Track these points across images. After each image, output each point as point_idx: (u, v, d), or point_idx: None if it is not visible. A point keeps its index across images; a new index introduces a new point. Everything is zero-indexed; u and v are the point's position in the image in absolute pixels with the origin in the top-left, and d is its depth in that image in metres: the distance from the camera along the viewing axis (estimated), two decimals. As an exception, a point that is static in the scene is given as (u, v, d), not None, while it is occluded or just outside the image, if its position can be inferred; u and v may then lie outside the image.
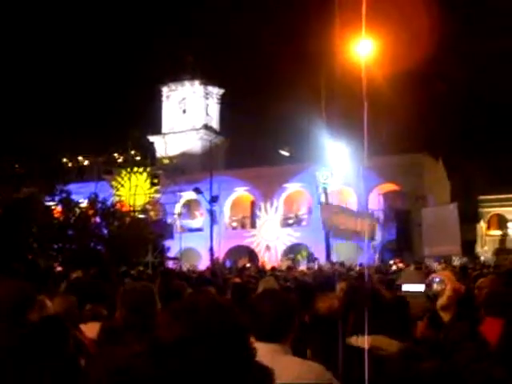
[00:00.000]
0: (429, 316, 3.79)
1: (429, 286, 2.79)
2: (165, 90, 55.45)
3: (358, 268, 23.82)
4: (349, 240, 29.09)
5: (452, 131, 49.55)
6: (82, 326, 5.51)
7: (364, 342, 3.45)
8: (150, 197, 41.31)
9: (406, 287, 3.23)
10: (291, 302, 3.40)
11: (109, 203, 29.31)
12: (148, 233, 29.02)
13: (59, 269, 19.97)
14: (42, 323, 4.50)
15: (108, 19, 75.58)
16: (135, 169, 41.44)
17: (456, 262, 27.69)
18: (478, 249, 44.78)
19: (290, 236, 43.39)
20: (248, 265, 31.40)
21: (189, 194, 41.91)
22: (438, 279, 2.77)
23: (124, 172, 41.33)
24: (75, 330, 5.15)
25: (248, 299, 7.15)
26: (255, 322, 3.24)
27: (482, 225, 50.94)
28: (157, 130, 54.36)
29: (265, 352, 3.04)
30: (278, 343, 3.23)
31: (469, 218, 41.98)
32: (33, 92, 58.69)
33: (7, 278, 3.86)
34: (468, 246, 34.74)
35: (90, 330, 5.28)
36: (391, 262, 29.78)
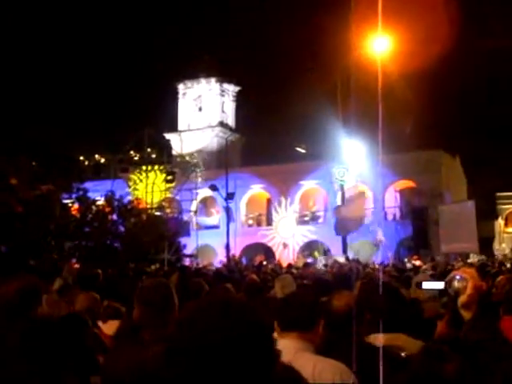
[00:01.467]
0: (449, 314, 3.77)
1: (449, 283, 2.76)
2: (181, 87, 55.53)
3: (374, 265, 23.77)
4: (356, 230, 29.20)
5: (469, 128, 49.26)
6: (100, 323, 5.57)
7: (382, 340, 3.45)
8: (166, 194, 41.40)
9: (426, 285, 3.21)
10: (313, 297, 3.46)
11: (125, 201, 29.43)
12: (164, 230, 29.10)
13: (76, 266, 20.10)
14: (64, 319, 4.55)
15: (125, 18, 75.90)
16: (151, 166, 41.56)
17: (472, 259, 27.50)
18: (496, 246, 44.45)
19: (307, 233, 43.33)
20: (265, 262, 31.40)
21: (205, 191, 41.96)
22: (459, 277, 2.74)
23: (140, 169, 41.47)
24: (94, 328, 5.21)
25: (263, 296, 7.18)
26: (282, 312, 3.30)
27: (500, 222, 50.57)
28: (173, 128, 54.47)
29: (288, 348, 3.07)
30: (302, 339, 3.26)
31: (486, 215, 41.70)
32: (50, 91, 59.09)
33: (21, 275, 3.89)
34: (485, 243, 34.51)
35: (108, 327, 5.34)
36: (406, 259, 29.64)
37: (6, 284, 3.69)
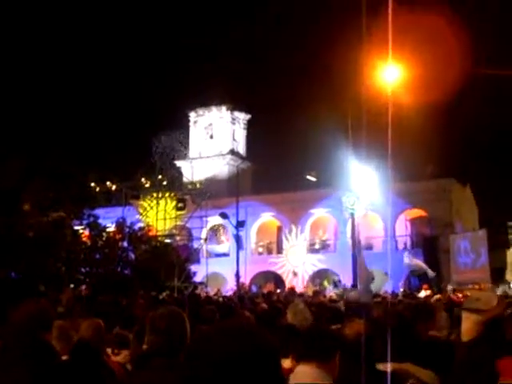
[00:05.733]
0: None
1: None
2: (192, 115, 55.92)
3: (386, 294, 23.56)
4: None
5: (480, 156, 49.17)
6: (110, 351, 5.53)
7: (390, 367, 3.44)
8: (176, 221, 41.44)
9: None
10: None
11: (136, 228, 29.49)
12: (174, 257, 29.09)
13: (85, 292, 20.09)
14: (75, 351, 4.53)
15: (138, 46, 76.74)
16: (161, 194, 41.67)
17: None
18: (508, 276, 44.03)
19: (316, 262, 43.18)
20: (278, 290, 31.29)
21: (215, 219, 41.97)
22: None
23: (151, 196, 41.59)
24: (104, 355, 5.18)
25: (276, 324, 7.13)
26: (295, 342, 3.30)
27: (512, 251, 50.11)
28: (184, 155, 54.71)
29: (307, 374, 3.06)
30: (321, 369, 3.24)
31: (498, 245, 41.36)
32: (62, 118, 59.63)
33: (31, 301, 3.89)
34: (497, 273, 34.20)
35: (113, 355, 5.31)
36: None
37: (16, 309, 3.69)
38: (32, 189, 22.65)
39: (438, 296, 19.00)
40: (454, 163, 45.27)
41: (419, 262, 32.49)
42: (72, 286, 22.15)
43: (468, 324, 2.92)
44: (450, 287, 23.98)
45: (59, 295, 15.47)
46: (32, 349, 3.39)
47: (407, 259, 32.86)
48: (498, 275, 33.28)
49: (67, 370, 3.37)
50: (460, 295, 20.03)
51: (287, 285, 40.78)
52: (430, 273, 31.18)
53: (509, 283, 34.28)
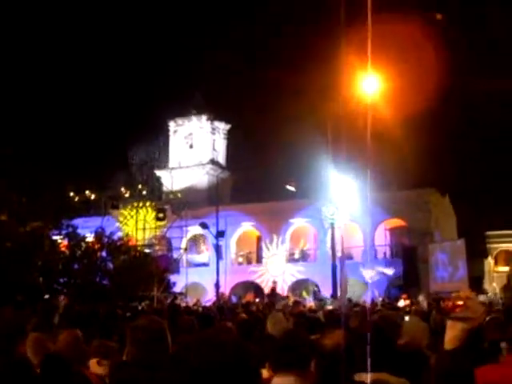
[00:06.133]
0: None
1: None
2: (172, 124, 55.83)
3: (365, 304, 23.60)
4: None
5: (459, 166, 49.61)
6: (92, 362, 5.46)
7: (367, 378, 3.45)
8: (156, 231, 41.26)
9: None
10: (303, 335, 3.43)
11: (115, 237, 29.30)
12: (154, 267, 28.93)
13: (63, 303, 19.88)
14: (44, 363, 4.46)
15: (117, 56, 76.56)
16: (141, 203, 41.51)
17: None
18: (486, 285, 44.40)
19: (297, 271, 43.19)
20: (257, 299, 31.23)
21: (195, 229, 41.85)
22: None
23: (130, 206, 41.40)
24: (81, 367, 5.12)
25: (255, 334, 7.11)
26: (278, 351, 3.28)
27: (490, 261, 50.60)
28: (164, 165, 54.59)
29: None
30: (299, 378, 3.24)
31: (476, 254, 41.76)
32: (41, 127, 59.24)
33: (7, 310, 3.85)
34: (476, 282, 34.48)
35: (98, 366, 5.24)
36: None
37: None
38: (9, 200, 22.46)
39: (415, 306, 19.12)
40: (433, 173, 45.64)
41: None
42: (47, 296, 21.94)
43: (454, 332, 2.92)
44: (421, 297, 24.06)
45: (37, 306, 15.29)
46: (6, 363, 3.35)
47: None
48: (476, 284, 33.54)
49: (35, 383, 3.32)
50: (450, 304, 20.09)
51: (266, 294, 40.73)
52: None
53: (487, 293, 34.54)
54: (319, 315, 11.37)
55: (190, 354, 1.55)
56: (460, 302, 2.80)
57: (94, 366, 5.26)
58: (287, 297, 28.11)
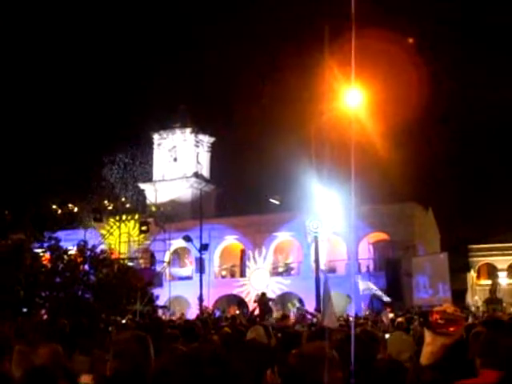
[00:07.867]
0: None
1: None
2: (156, 137, 55.74)
3: (348, 318, 23.62)
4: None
5: (442, 180, 49.95)
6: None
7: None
8: (139, 244, 41.06)
9: None
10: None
11: (98, 250, 29.08)
12: (137, 281, 28.72)
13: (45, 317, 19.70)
14: (28, 375, 4.40)
15: (101, 68, 76.48)
16: (125, 216, 41.31)
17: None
18: (469, 298, 44.61)
19: (280, 285, 43.10)
20: (237, 312, 31.09)
21: (178, 242, 41.71)
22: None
23: (114, 219, 41.19)
24: (63, 381, 5.06)
25: (238, 348, 7.08)
26: None
27: (472, 274, 50.89)
28: (147, 178, 54.39)
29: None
30: None
31: (459, 268, 41.95)
32: (24, 138, 58.90)
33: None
34: (458, 295, 34.62)
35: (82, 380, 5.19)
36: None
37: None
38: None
39: (400, 319, 19.15)
40: (417, 187, 45.88)
41: (373, 287, 32.63)
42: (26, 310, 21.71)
43: (432, 348, 2.92)
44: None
45: (18, 320, 15.13)
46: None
47: (363, 284, 32.98)
48: (459, 298, 33.68)
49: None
50: (437, 317, 20.13)
51: (250, 308, 40.61)
52: (385, 298, 31.38)
53: (468, 307, 34.70)
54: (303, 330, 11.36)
55: (174, 369, 1.54)
56: (443, 316, 2.81)
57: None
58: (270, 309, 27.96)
